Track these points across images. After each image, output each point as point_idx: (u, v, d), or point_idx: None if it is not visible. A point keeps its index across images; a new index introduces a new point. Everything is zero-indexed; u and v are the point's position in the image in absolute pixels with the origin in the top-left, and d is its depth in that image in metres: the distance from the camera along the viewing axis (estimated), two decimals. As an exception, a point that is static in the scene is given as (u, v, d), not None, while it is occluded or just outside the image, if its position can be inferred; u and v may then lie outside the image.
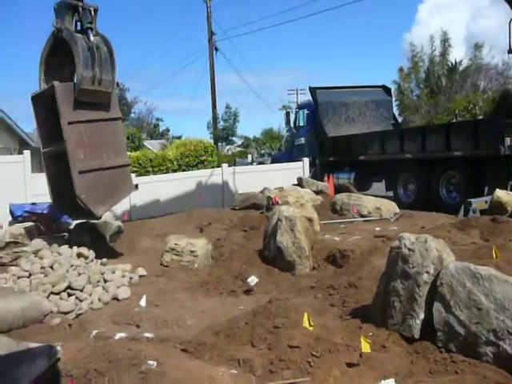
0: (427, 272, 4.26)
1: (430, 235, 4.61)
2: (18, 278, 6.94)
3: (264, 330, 4.57)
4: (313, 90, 19.57)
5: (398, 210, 10.69)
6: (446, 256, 4.40)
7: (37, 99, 8.38)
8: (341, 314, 5.06)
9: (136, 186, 9.14)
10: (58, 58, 8.19)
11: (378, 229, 8.96)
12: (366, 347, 3.90)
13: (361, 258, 6.68)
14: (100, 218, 8.26)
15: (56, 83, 7.77)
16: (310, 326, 4.34)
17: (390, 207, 10.69)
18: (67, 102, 7.79)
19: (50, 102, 7.91)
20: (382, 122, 19.39)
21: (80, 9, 7.97)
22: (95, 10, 8.08)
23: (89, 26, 7.94)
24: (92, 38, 7.86)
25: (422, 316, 4.21)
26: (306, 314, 4.43)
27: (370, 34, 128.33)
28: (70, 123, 7.77)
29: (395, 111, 24.51)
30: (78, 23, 8.15)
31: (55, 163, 8.46)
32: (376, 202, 10.71)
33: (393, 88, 29.02)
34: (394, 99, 23.56)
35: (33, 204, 10.97)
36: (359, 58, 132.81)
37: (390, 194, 14.87)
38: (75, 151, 7.82)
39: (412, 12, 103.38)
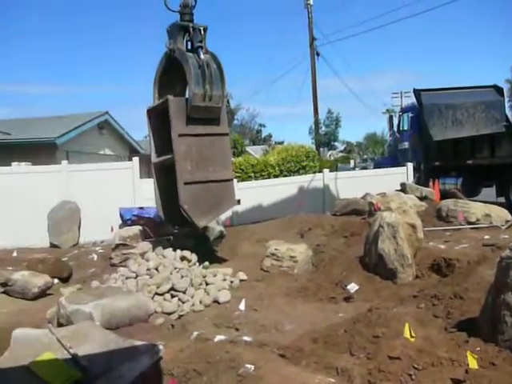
0: (542, 285, 3.95)
1: (545, 245, 4.29)
2: (126, 278, 7.32)
3: (363, 338, 4.47)
4: (417, 92, 18.91)
5: (510, 218, 10.03)
6: None
7: (151, 112, 8.93)
8: (445, 325, 4.84)
9: (238, 202, 9.41)
10: (170, 76, 8.67)
11: (486, 237, 8.46)
12: (472, 363, 3.68)
13: (467, 268, 6.35)
14: (201, 228, 8.46)
15: (170, 97, 8.18)
16: (412, 337, 4.19)
17: (500, 214, 10.06)
18: (179, 116, 8.15)
19: (163, 116, 8.35)
20: (493, 124, 18.30)
21: (191, 29, 8.35)
22: (204, 29, 8.42)
23: (199, 44, 8.29)
24: (202, 56, 8.18)
25: (536, 332, 3.91)
26: (407, 325, 4.28)
27: (479, 30, 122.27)
28: (180, 135, 8.10)
29: (508, 112, 23.08)
30: (189, 42, 8.56)
31: (163, 174, 8.91)
32: (485, 209, 10.13)
33: (505, 87, 27.40)
34: (507, 99, 22.22)
35: (140, 208, 11.55)
36: (468, 58, 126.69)
37: (502, 200, 14.02)
38: (183, 163, 8.14)
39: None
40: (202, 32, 8.39)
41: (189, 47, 8.54)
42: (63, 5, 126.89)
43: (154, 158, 8.95)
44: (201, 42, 8.34)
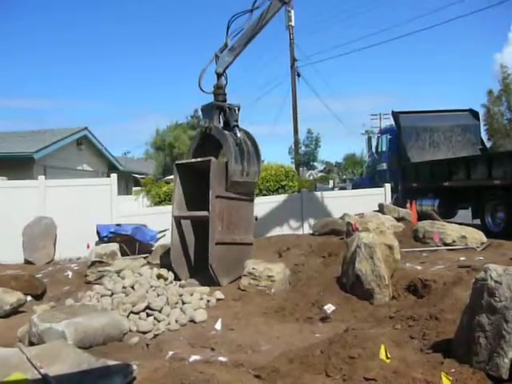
0: (516, 307, 3.98)
1: (519, 267, 4.33)
2: (102, 296, 7.22)
3: (339, 359, 4.45)
4: (396, 115, 19.20)
5: (485, 239, 10.17)
6: (538, 291, 4.10)
7: (182, 167, 9.26)
8: (421, 347, 4.85)
9: (256, 218, 10.01)
10: (203, 150, 9.17)
11: (462, 258, 8.56)
12: (447, 385, 3.68)
13: (443, 289, 6.40)
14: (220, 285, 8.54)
15: (212, 159, 8.49)
16: (388, 358, 4.18)
17: (476, 236, 10.20)
18: (218, 178, 8.45)
19: (194, 173, 8.96)
20: (469, 147, 18.65)
21: (227, 109, 8.95)
22: (239, 109, 9.07)
23: (235, 123, 8.87)
24: (239, 134, 8.70)
25: (511, 355, 3.93)
26: (383, 346, 4.27)
27: (458, 56, 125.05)
28: (217, 197, 8.40)
29: (483, 136, 23.50)
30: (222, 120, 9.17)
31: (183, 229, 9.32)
32: (461, 231, 10.26)
33: (481, 112, 27.95)
34: (482, 123, 22.65)
35: (118, 225, 11.45)
36: (445, 81, 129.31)
37: (477, 222, 14.19)
38: (216, 223, 8.42)
39: (504, 31, 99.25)
40: (237, 111, 9.02)
41: (223, 124, 9.11)
42: (48, 18, 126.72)
43: (178, 211, 9.18)
44: (236, 121, 8.94)
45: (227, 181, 8.45)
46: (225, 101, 9.15)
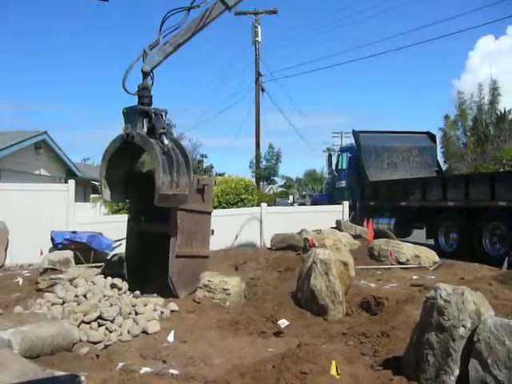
0: (463, 326, 4.10)
1: (468, 287, 4.46)
2: (52, 304, 7.02)
3: (291, 374, 4.45)
4: (356, 134, 19.58)
5: (437, 259, 10.42)
6: (485, 310, 4.23)
7: (137, 176, 8.97)
8: (372, 363, 4.91)
9: (212, 232, 9.65)
10: (121, 156, 8.37)
11: (415, 277, 8.74)
12: (394, 401, 3.74)
13: (396, 307, 6.50)
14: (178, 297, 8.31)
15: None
16: (338, 374, 4.21)
17: (429, 255, 10.43)
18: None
19: (150, 181, 8.12)
20: (426, 168, 19.16)
21: (153, 114, 8.10)
22: (165, 114, 8.32)
23: (162, 130, 8.06)
24: (166, 141, 7.94)
25: (457, 372, 4.03)
26: (333, 362, 4.31)
27: (418, 79, 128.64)
28: (179, 209, 8.18)
29: (440, 158, 24.19)
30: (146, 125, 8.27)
31: (139, 239, 8.94)
32: (415, 250, 10.47)
33: (438, 135, 28.72)
34: (439, 146, 23.27)
35: (73, 232, 11.23)
36: (406, 103, 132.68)
37: (431, 242, 14.54)
38: (177, 236, 8.21)
39: (462, 59, 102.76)
40: (164, 117, 8.28)
41: (147, 131, 8.20)
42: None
43: (134, 223, 8.88)
44: (164, 128, 8.15)
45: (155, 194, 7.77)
46: (150, 104, 8.31)
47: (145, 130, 8.13)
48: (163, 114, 8.26)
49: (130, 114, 8.20)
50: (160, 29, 8.30)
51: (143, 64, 8.25)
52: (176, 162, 7.90)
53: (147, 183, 8.21)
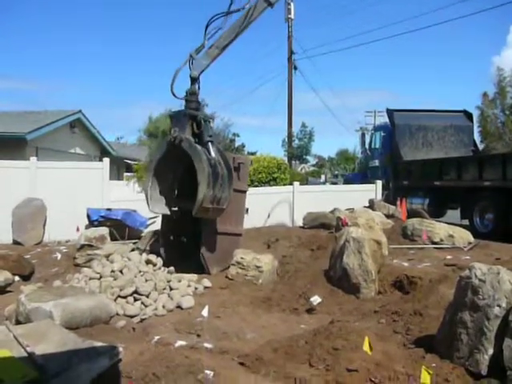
0: (499, 305, 4.07)
1: (504, 267, 4.40)
2: (90, 279, 7.23)
3: (323, 350, 4.51)
4: (390, 112, 19.26)
5: (472, 239, 10.27)
6: (521, 290, 4.18)
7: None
8: (404, 341, 4.94)
9: (246, 211, 9.80)
10: (166, 163, 8.37)
11: (449, 257, 8.65)
12: (425, 378, 3.75)
13: (429, 286, 6.47)
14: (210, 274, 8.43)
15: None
16: (370, 350, 4.24)
17: (463, 236, 10.30)
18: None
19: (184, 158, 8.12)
20: (461, 147, 18.76)
21: (202, 121, 8.05)
22: (212, 121, 8.52)
23: (209, 139, 8.02)
24: (212, 152, 7.90)
25: (490, 351, 4.02)
26: (366, 338, 4.33)
27: (456, 57, 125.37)
28: None
29: (476, 137, 23.61)
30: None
31: (174, 216, 8.82)
32: (449, 230, 10.35)
33: (476, 113, 28.04)
34: (476, 125, 22.75)
35: (108, 210, 11.44)
36: (442, 81, 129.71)
37: (466, 222, 14.32)
38: None
39: (503, 34, 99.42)
40: (212, 123, 8.31)
41: (193, 137, 8.17)
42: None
43: (173, 205, 8.74)
44: (211, 136, 8.09)
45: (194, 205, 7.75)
46: (198, 109, 8.34)
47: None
48: (211, 120, 8.36)
49: (177, 118, 8.20)
50: (205, 32, 8.43)
51: (191, 70, 8.37)
52: (221, 178, 7.90)
53: (183, 161, 8.27)
